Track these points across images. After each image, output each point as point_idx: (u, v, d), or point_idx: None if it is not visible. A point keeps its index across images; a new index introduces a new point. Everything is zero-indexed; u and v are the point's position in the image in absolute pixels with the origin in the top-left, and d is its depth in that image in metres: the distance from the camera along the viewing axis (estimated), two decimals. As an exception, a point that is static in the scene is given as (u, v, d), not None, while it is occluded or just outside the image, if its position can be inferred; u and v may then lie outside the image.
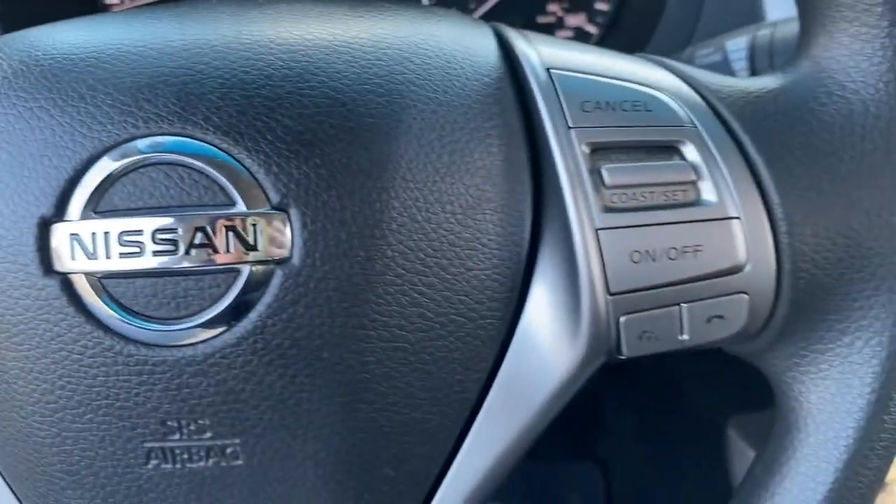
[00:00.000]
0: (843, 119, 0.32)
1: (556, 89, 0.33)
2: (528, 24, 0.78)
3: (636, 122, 0.33)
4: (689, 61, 0.49)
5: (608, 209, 0.32)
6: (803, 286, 0.33)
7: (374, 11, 0.35)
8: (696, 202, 0.33)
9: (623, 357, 0.34)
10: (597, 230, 0.32)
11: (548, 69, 0.34)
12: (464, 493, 0.35)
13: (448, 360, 0.33)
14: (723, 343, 0.34)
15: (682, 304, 0.33)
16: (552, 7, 0.79)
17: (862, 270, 0.32)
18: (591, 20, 0.79)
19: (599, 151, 0.33)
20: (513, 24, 0.78)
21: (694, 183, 0.33)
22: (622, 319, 0.33)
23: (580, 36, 0.79)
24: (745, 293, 0.33)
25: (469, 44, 0.34)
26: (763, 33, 0.45)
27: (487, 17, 0.78)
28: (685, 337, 0.33)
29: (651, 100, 0.33)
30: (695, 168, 0.33)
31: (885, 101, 0.31)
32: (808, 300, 0.33)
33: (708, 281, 0.33)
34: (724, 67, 0.46)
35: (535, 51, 0.34)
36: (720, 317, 0.33)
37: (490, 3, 0.78)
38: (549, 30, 0.79)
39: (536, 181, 0.34)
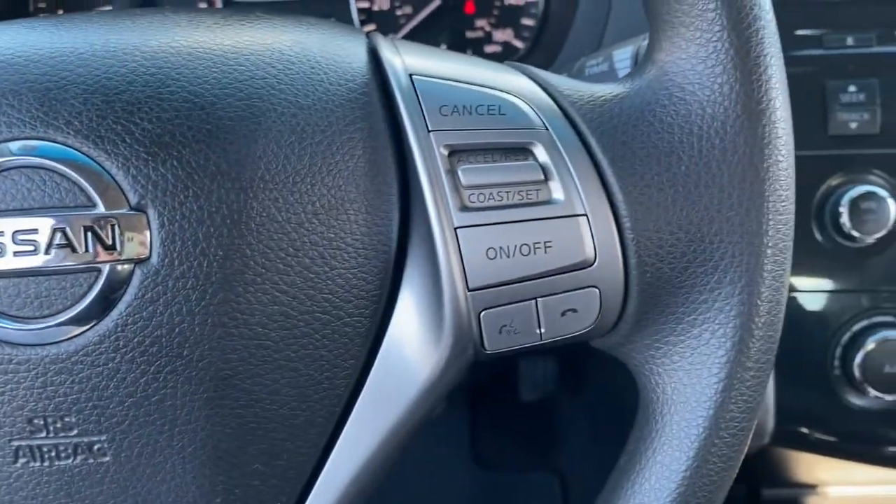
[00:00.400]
0: (682, 120, 0.33)
1: (416, 94, 0.34)
2: (457, 39, 0.80)
3: (490, 125, 0.34)
4: (581, 70, 0.51)
5: (465, 208, 0.34)
6: (650, 280, 0.34)
7: (243, 20, 0.36)
8: (547, 201, 0.34)
9: (487, 352, 0.35)
10: (455, 228, 0.33)
11: (410, 75, 0.35)
12: (339, 488, 0.36)
13: (314, 357, 0.34)
14: (581, 337, 0.35)
15: (537, 299, 0.34)
16: (480, 23, 0.81)
17: (705, 264, 0.34)
18: (517, 35, 0.80)
19: (457, 153, 0.34)
20: (442, 40, 0.80)
21: (545, 182, 0.34)
22: (482, 314, 0.34)
23: (508, 50, 0.81)
24: (596, 287, 0.34)
25: (336, 51, 0.36)
26: (647, 43, 0.47)
27: (416, 32, 0.80)
28: (542, 330, 0.34)
29: (505, 104, 0.35)
30: (544, 168, 0.34)
31: (721, 102, 0.33)
32: (657, 293, 0.34)
33: (560, 276, 0.34)
34: (610, 75, 0.48)
35: (400, 58, 0.36)
36: (574, 310, 0.34)
37: (418, 19, 0.79)
38: (477, 45, 0.81)
39: (404, 183, 0.35)
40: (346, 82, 0.35)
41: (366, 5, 0.80)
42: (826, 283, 0.60)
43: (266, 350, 0.33)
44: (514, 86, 0.36)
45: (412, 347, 0.35)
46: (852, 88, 0.58)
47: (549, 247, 0.34)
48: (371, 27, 0.80)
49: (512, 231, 0.34)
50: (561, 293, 0.34)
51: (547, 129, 0.34)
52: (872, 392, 0.59)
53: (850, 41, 0.59)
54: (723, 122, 0.33)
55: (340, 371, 0.35)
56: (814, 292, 0.60)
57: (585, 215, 0.34)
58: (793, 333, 0.61)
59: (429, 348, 0.35)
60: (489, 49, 0.81)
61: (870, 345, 0.58)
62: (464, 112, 0.34)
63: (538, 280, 0.34)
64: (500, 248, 0.33)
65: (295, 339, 0.33)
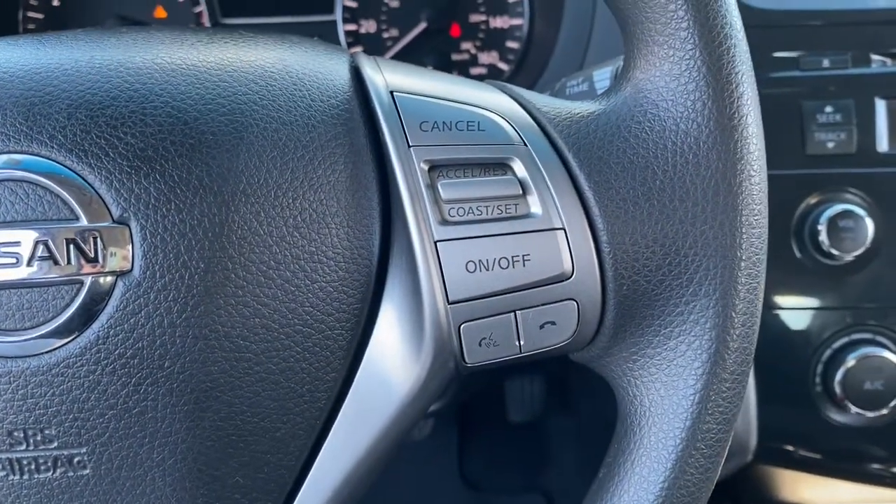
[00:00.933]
0: (656, 136, 0.34)
1: (397, 110, 0.35)
2: (443, 61, 0.81)
3: (469, 140, 0.35)
4: (562, 90, 0.52)
5: (445, 222, 0.34)
6: (627, 292, 0.34)
7: (227, 38, 0.37)
8: (526, 215, 0.34)
9: (468, 365, 0.35)
10: (435, 242, 0.34)
11: (391, 92, 0.35)
12: (321, 501, 0.36)
13: (295, 370, 0.34)
14: (561, 350, 0.36)
15: (516, 311, 0.34)
16: (466, 45, 0.82)
17: (680, 277, 0.34)
18: (502, 58, 0.82)
19: (437, 168, 0.35)
20: (428, 62, 0.81)
21: (523, 197, 0.34)
22: (462, 327, 0.34)
23: (493, 72, 0.82)
24: (574, 300, 0.34)
25: (319, 68, 0.36)
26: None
27: (402, 55, 0.81)
28: (522, 343, 0.35)
29: (484, 120, 0.35)
30: (522, 183, 0.35)
31: (693, 118, 0.33)
32: (633, 306, 0.35)
33: (538, 288, 0.34)
34: (590, 94, 0.49)
35: (382, 75, 0.36)
36: (552, 323, 0.35)
37: (405, 42, 0.80)
38: (463, 67, 0.82)
39: (385, 198, 0.35)
40: (329, 99, 0.35)
41: (353, 28, 0.81)
42: (807, 301, 0.60)
43: (247, 363, 0.33)
44: (494, 103, 0.36)
45: (393, 360, 0.35)
46: (829, 109, 0.59)
47: (528, 260, 0.34)
48: (358, 49, 0.81)
49: (491, 244, 0.34)
50: (539, 306, 0.34)
51: (525, 144, 0.35)
52: (853, 408, 0.59)
53: (825, 63, 0.60)
54: (696, 138, 0.34)
55: (322, 384, 0.35)
56: (795, 310, 0.61)
57: (563, 229, 0.34)
58: (774, 351, 0.61)
59: (410, 361, 0.35)
60: (475, 71, 0.82)
61: (850, 361, 0.59)
62: (444, 128, 0.35)
63: (517, 293, 0.34)
64: (480, 261, 0.34)
65: (276, 351, 0.34)
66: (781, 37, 0.60)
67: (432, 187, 0.34)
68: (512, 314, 0.34)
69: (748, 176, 0.34)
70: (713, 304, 0.34)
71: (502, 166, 0.35)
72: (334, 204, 0.34)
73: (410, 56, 0.81)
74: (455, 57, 0.82)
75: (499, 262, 0.34)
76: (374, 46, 0.81)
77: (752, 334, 0.34)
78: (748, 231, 0.34)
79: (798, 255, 0.60)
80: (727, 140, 0.33)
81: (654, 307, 0.35)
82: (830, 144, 0.59)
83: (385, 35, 0.81)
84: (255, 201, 0.33)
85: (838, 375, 0.59)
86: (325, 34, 0.81)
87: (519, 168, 0.35)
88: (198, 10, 0.80)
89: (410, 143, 0.34)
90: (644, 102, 0.35)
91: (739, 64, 0.34)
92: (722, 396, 0.34)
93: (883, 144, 0.59)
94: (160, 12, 0.81)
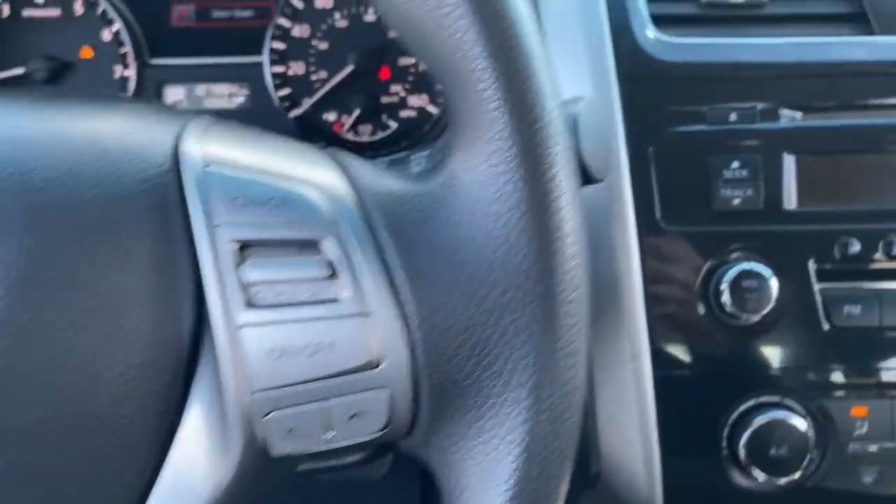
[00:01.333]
0: (467, 219, 0.32)
1: (209, 185, 0.34)
2: (372, 104, 0.80)
3: (281, 217, 0.33)
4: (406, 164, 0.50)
5: (251, 305, 0.33)
6: (439, 381, 0.33)
7: (45, 103, 0.36)
8: (334, 299, 0.33)
9: (274, 456, 0.33)
10: (239, 327, 0.32)
11: (206, 166, 0.34)
12: None
13: (97, 457, 0.33)
14: (378, 441, 0.34)
15: (323, 401, 0.33)
16: (395, 88, 0.80)
17: (490, 367, 0.32)
18: (432, 100, 0.80)
19: (249, 247, 0.33)
20: (356, 104, 0.80)
21: (332, 279, 0.33)
22: (267, 417, 0.33)
23: (422, 115, 0.80)
24: (385, 389, 0.33)
25: (136, 139, 0.35)
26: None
27: (330, 97, 0.80)
28: (332, 434, 0.33)
29: (298, 197, 0.34)
30: (332, 265, 0.33)
31: (504, 201, 0.32)
32: (447, 396, 0.33)
33: (346, 377, 0.33)
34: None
35: (203, 147, 0.35)
36: (362, 413, 0.33)
37: (333, 83, 0.79)
38: (392, 110, 0.80)
39: (199, 279, 0.34)
40: (140, 173, 0.34)
41: (281, 70, 0.80)
42: (714, 362, 0.58)
43: (39, 452, 0.32)
44: (316, 176, 0.35)
45: (203, 450, 0.34)
46: (735, 164, 0.57)
47: (334, 347, 0.32)
48: (286, 91, 0.80)
49: (296, 330, 0.33)
50: (347, 395, 0.33)
51: (338, 223, 0.33)
52: (759, 474, 0.57)
53: (733, 117, 0.58)
54: (506, 222, 0.32)
55: (127, 472, 0.33)
56: (702, 371, 0.59)
57: (372, 314, 0.33)
58: (682, 413, 0.59)
59: (218, 452, 0.33)
60: (404, 114, 0.81)
61: (756, 425, 0.57)
62: (255, 204, 0.33)
63: (324, 381, 0.33)
64: (285, 347, 0.32)
65: (76, 436, 0.32)
66: (687, 90, 0.59)
67: (240, 268, 0.33)
68: (319, 404, 0.33)
69: (562, 261, 0.32)
70: (524, 396, 0.32)
71: (313, 246, 0.33)
72: (139, 286, 0.33)
73: (339, 98, 0.80)
74: (384, 100, 0.80)
75: (304, 348, 0.32)
76: (303, 88, 0.80)
77: (569, 428, 0.33)
78: (564, 321, 0.32)
79: (703, 314, 0.58)
80: (539, 224, 0.32)
81: (468, 398, 0.33)
82: (736, 201, 0.57)
83: (313, 77, 0.80)
84: (47, 284, 0.31)
85: (743, 439, 0.57)
86: (254, 75, 0.80)
87: (330, 248, 0.33)
88: (123, 50, 0.79)
89: (217, 222, 0.33)
90: (457, 184, 0.33)
91: (553, 144, 0.32)
92: (538, 492, 0.32)
93: (791, 202, 0.57)
94: (86, 52, 0.80)
